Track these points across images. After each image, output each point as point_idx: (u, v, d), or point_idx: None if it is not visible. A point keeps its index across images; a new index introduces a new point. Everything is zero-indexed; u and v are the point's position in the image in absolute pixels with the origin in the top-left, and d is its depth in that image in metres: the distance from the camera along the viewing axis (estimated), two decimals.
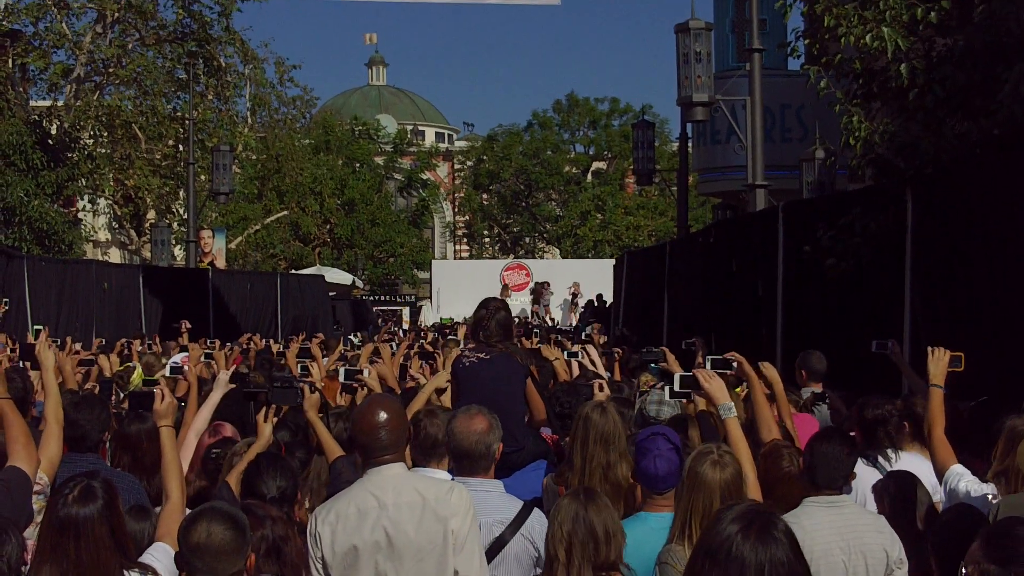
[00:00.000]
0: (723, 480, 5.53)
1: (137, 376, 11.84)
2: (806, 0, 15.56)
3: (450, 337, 18.81)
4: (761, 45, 21.66)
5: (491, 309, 8.86)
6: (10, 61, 38.13)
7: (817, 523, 5.83)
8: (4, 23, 37.87)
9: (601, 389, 8.28)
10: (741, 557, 3.77)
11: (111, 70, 41.01)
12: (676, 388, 7.05)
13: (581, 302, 45.54)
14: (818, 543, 5.71)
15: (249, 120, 47.70)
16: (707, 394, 6.56)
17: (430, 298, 54.79)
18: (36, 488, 6.15)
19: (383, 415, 5.63)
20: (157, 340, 20.80)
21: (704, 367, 7.06)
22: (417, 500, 5.47)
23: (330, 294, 43.29)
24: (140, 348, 18.11)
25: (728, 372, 7.21)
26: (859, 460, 7.50)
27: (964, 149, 12.53)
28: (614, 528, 5.31)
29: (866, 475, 7.41)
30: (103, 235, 54.52)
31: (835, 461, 6.07)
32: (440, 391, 8.91)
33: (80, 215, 40.97)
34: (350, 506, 5.51)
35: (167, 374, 10.90)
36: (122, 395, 11.51)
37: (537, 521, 6.15)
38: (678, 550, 5.35)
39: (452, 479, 6.16)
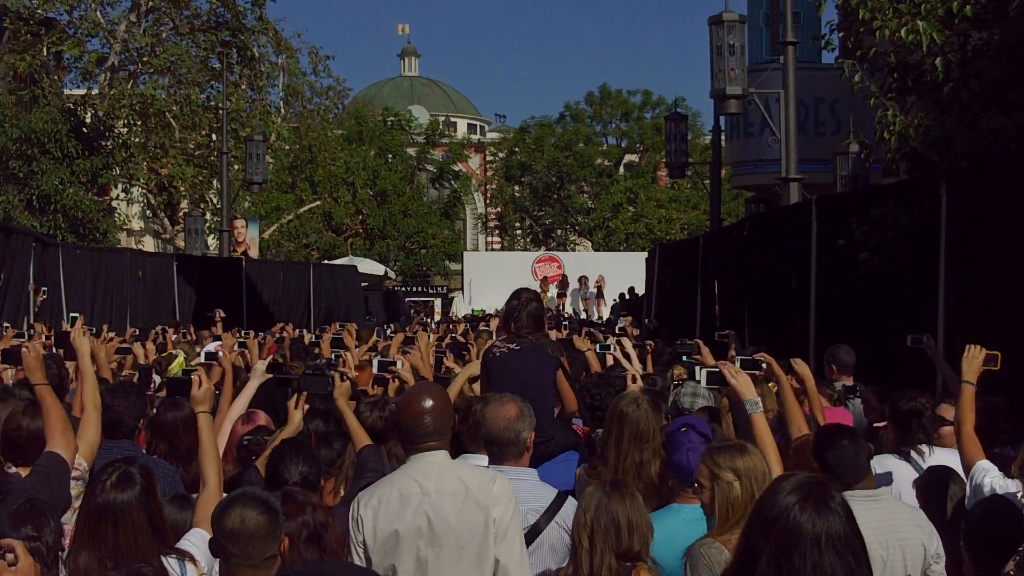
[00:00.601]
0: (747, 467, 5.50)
1: (178, 364, 11.87)
2: None
3: (482, 328, 18.85)
4: (795, 38, 21.60)
5: (522, 300, 8.86)
6: (45, 49, 38.33)
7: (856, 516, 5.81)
8: (39, 11, 38.03)
9: (634, 380, 8.29)
10: (799, 527, 3.82)
11: (145, 59, 41.16)
12: (703, 383, 7.10)
13: (607, 295, 45.51)
14: None
15: (282, 110, 47.81)
16: (733, 389, 6.60)
17: (461, 289, 54.83)
18: (75, 474, 6.21)
19: (429, 402, 5.68)
20: (191, 329, 20.90)
21: (734, 364, 7.08)
22: (459, 488, 5.50)
23: (362, 284, 43.37)
24: (175, 337, 18.20)
25: (757, 372, 7.25)
26: (893, 455, 7.52)
27: (999, 143, 12.52)
28: (639, 520, 5.33)
29: (900, 470, 7.40)
30: (136, 224, 54.81)
31: (851, 456, 6.06)
32: (473, 379, 8.94)
33: (114, 204, 41.16)
34: (393, 491, 5.54)
35: (202, 361, 10.95)
36: (159, 381, 11.57)
37: (572, 509, 6.17)
38: (716, 545, 5.27)
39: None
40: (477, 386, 8.93)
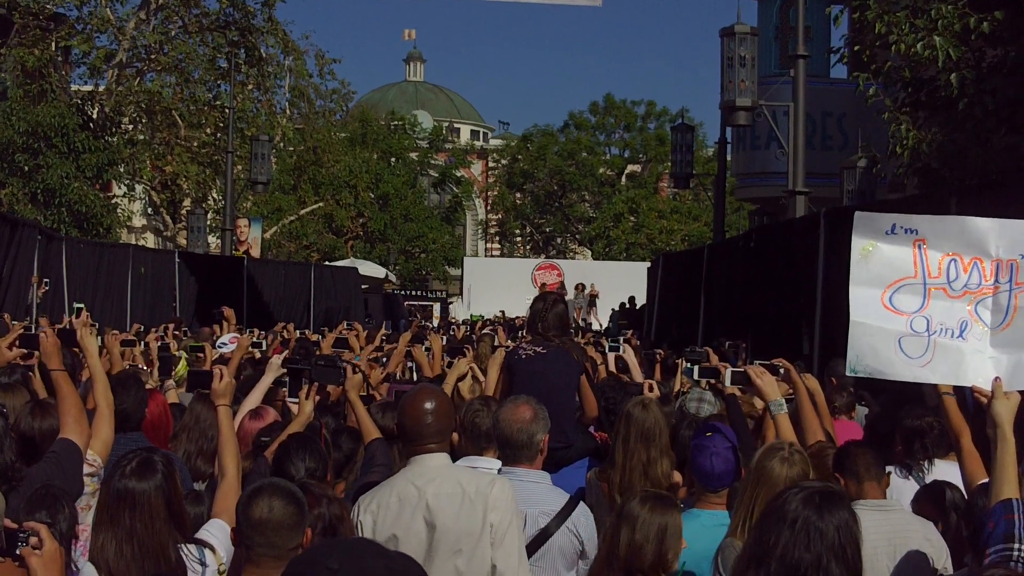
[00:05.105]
0: (789, 477, 5.46)
1: (182, 367, 11.74)
2: (856, 8, 15.52)
3: (485, 332, 18.81)
4: (806, 52, 21.60)
5: (548, 302, 8.77)
6: (54, 44, 38.30)
7: (864, 526, 5.76)
8: (49, 6, 38.01)
9: (651, 389, 8.31)
10: (808, 520, 4.14)
11: (153, 56, 41.14)
12: (727, 383, 7.11)
13: (599, 303, 45.47)
14: (865, 546, 5.64)
15: (287, 111, 47.78)
16: (758, 390, 6.64)
17: (460, 295, 54.89)
18: (90, 470, 6.18)
19: (430, 403, 5.68)
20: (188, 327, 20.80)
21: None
22: (457, 492, 5.48)
23: (362, 287, 43.35)
24: (177, 333, 18.12)
25: (775, 377, 7.27)
26: (896, 470, 7.51)
27: (1011, 161, 12.51)
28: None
29: (903, 487, 7.37)
30: (138, 221, 54.77)
31: (865, 456, 6.21)
32: (461, 377, 8.95)
33: (116, 200, 41.09)
34: (391, 495, 5.53)
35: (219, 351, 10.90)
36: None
37: (582, 514, 6.16)
38: (739, 545, 5.27)
39: (499, 469, 6.17)
40: (463, 385, 8.93)
